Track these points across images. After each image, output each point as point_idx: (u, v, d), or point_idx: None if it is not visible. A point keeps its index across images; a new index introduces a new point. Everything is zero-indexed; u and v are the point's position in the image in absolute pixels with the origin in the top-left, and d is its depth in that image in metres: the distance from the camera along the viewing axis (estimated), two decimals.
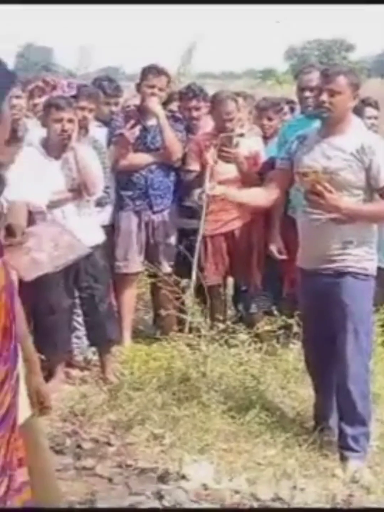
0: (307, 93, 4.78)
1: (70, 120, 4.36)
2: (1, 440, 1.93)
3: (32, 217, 4.24)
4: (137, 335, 5.26)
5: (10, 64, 2.04)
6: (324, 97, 3.56)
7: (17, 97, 4.85)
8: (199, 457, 3.57)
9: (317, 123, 3.81)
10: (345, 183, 3.53)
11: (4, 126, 1.91)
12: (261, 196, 3.91)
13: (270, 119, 5.37)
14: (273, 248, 4.84)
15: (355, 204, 3.55)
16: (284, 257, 4.80)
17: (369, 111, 5.32)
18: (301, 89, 4.86)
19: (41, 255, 3.07)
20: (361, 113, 4.75)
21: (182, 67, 8.90)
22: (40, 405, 2.22)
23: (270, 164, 4.80)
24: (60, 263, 3.24)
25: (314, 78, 4.67)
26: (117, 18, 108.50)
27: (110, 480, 3.42)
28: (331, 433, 3.73)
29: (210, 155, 4.84)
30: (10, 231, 2.93)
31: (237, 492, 3.33)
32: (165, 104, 5.26)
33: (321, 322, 3.65)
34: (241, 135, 4.93)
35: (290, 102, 5.81)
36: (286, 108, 5.69)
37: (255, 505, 3.24)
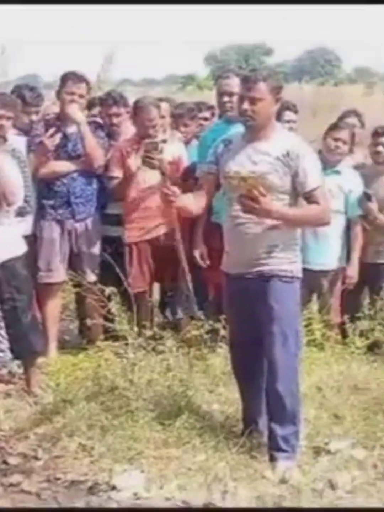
0: (226, 98, 4.82)
1: None
2: None
3: None
4: (63, 345, 5.19)
5: None
6: (246, 105, 3.52)
7: None
8: (129, 466, 3.54)
9: (239, 127, 3.80)
10: (272, 187, 3.51)
11: None
12: (191, 202, 3.79)
13: (186, 125, 5.38)
14: (196, 254, 4.88)
15: (283, 208, 3.54)
16: (206, 263, 4.85)
17: (288, 114, 5.40)
18: (219, 94, 4.89)
19: None
20: (279, 117, 4.80)
21: (102, 74, 8.84)
22: None
23: (192, 169, 4.83)
24: None
25: (232, 82, 4.72)
26: (38, 20, 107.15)
27: (38, 495, 3.36)
28: (260, 435, 3.75)
29: (133, 161, 4.82)
30: None
31: (168, 499, 3.31)
32: (86, 109, 5.22)
33: (248, 325, 3.65)
34: (164, 141, 4.93)
35: (210, 107, 5.82)
36: (208, 113, 5.71)
37: None
